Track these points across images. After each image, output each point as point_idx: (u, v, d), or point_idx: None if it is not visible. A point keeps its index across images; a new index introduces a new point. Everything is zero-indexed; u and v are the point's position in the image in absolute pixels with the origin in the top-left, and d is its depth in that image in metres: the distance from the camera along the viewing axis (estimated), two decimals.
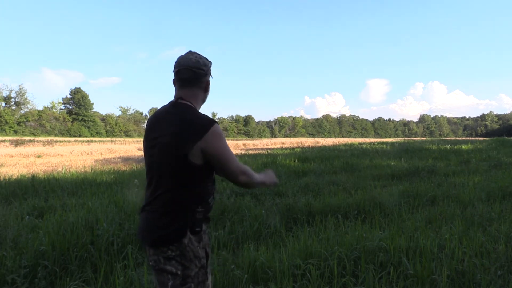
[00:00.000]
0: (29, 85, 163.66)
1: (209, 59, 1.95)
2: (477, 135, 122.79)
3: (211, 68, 1.94)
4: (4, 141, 39.85)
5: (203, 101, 1.96)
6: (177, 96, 1.87)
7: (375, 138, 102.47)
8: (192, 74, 1.85)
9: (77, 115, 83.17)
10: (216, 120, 1.87)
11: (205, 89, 1.93)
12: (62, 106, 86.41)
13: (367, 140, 64.80)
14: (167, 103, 1.91)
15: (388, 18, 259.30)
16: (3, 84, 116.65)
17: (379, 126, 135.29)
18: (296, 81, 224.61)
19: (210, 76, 1.94)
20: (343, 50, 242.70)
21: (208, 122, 1.77)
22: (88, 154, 26.69)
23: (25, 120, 75.67)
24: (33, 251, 3.44)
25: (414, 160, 13.80)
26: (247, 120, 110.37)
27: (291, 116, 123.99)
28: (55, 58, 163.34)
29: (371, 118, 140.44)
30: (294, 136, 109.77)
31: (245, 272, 3.17)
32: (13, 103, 78.09)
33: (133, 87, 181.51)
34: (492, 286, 2.91)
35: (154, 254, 1.76)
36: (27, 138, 52.48)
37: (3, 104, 76.81)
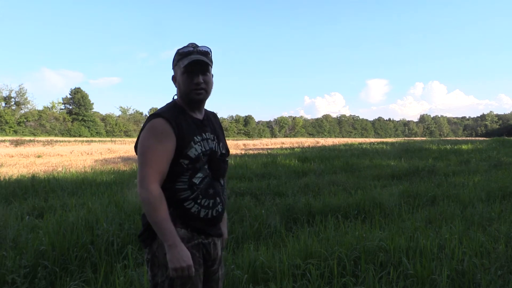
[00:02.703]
0: (29, 85, 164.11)
1: (183, 47, 1.75)
2: (477, 135, 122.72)
3: (176, 56, 1.75)
4: (4, 141, 39.83)
5: (183, 98, 1.76)
6: None
7: (375, 138, 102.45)
8: None
9: (77, 115, 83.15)
10: (162, 115, 1.66)
11: (175, 83, 1.78)
12: (62, 106, 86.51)
13: (367, 140, 64.79)
14: None
15: (388, 18, 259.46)
16: (3, 84, 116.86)
17: (379, 126, 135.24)
18: (296, 81, 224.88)
19: (181, 64, 1.71)
20: (343, 50, 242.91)
21: (149, 117, 1.69)
22: (88, 154, 26.66)
23: (25, 120, 75.67)
24: (33, 251, 3.44)
25: (414, 160, 13.80)
26: (247, 120, 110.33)
27: (291, 116, 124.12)
28: (55, 58, 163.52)
29: (371, 118, 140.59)
30: (294, 136, 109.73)
31: (245, 272, 3.16)
32: (13, 103, 78.12)
33: (133, 87, 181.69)
34: (492, 286, 2.91)
35: None
36: (27, 138, 52.46)
37: (3, 104, 76.88)
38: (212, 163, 1.75)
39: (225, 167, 1.84)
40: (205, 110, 1.88)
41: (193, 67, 1.69)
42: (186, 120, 1.72)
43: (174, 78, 1.79)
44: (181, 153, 1.66)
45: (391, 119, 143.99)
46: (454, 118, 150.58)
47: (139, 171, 1.61)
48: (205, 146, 1.73)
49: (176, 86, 1.79)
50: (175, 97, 1.81)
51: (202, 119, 1.80)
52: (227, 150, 1.91)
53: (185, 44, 1.77)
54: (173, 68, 1.79)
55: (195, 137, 1.71)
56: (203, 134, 1.76)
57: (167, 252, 1.56)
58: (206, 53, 1.75)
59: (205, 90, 1.73)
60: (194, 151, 1.69)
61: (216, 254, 1.79)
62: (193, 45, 1.74)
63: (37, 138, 54.37)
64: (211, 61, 1.77)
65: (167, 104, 1.78)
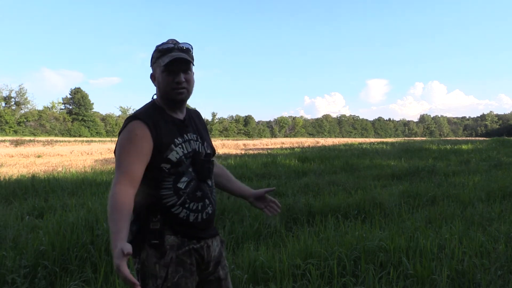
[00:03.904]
0: (29, 85, 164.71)
1: (163, 43, 1.67)
2: (477, 135, 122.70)
3: (156, 53, 1.66)
4: (4, 141, 39.85)
5: (163, 98, 1.67)
6: None
7: (375, 138, 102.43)
8: None
9: (77, 115, 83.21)
10: (139, 117, 1.59)
11: (155, 81, 1.69)
12: (62, 106, 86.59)
13: (367, 140, 64.80)
14: None
15: (388, 18, 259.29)
16: (3, 84, 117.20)
17: (379, 126, 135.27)
18: (296, 81, 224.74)
19: (161, 63, 1.62)
20: (343, 50, 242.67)
21: (127, 119, 1.62)
22: (88, 154, 26.67)
23: (25, 120, 75.74)
24: (33, 251, 3.44)
25: (414, 160, 13.81)
26: (247, 120, 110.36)
27: (291, 116, 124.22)
28: (55, 58, 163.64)
29: (371, 118, 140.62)
30: (294, 136, 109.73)
31: (245, 272, 3.17)
32: (13, 103, 78.16)
33: (133, 87, 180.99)
34: (492, 286, 2.91)
35: None
36: (27, 138, 52.46)
37: (3, 104, 76.94)
38: (196, 165, 1.66)
39: (210, 168, 1.74)
40: (187, 108, 1.78)
41: (174, 65, 1.60)
42: (165, 122, 1.64)
43: (153, 77, 1.69)
44: (162, 157, 1.58)
45: (391, 119, 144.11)
46: (454, 118, 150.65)
47: (116, 170, 1.55)
48: (187, 148, 1.65)
49: (155, 85, 1.69)
50: (155, 97, 1.72)
51: (183, 119, 1.71)
52: (213, 149, 1.82)
53: (165, 41, 1.69)
54: (152, 66, 1.68)
55: (175, 140, 1.62)
56: (185, 135, 1.67)
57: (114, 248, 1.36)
58: (187, 50, 1.66)
59: (186, 89, 1.65)
60: (175, 154, 1.60)
61: (210, 256, 1.70)
62: (173, 42, 1.66)
63: (37, 138, 54.37)
64: (193, 59, 1.68)
65: (146, 105, 1.70)
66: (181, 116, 1.71)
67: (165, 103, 1.67)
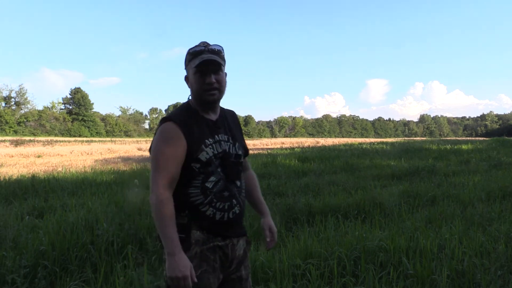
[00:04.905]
0: (29, 85, 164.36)
1: (194, 46, 1.72)
2: (477, 135, 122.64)
3: (188, 56, 1.72)
4: (4, 141, 39.84)
5: (195, 99, 1.74)
6: None
7: (375, 138, 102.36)
8: None
9: (77, 115, 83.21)
10: (171, 119, 1.67)
11: (188, 83, 1.77)
12: (62, 106, 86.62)
13: (367, 140, 64.75)
14: None
15: (388, 18, 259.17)
16: (3, 84, 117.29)
17: (379, 126, 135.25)
18: (296, 81, 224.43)
19: (193, 65, 1.68)
20: (343, 50, 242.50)
21: (161, 120, 1.71)
22: (88, 154, 26.70)
23: (25, 120, 75.74)
24: (33, 251, 3.44)
25: (414, 160, 13.80)
26: (247, 120, 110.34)
27: (291, 116, 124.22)
28: (55, 58, 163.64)
29: (371, 118, 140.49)
30: (294, 136, 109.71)
31: None
32: (13, 103, 78.18)
33: (133, 87, 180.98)
34: (492, 286, 2.91)
35: None
36: (27, 138, 52.47)
37: (3, 104, 76.98)
38: (225, 165, 1.71)
39: (239, 169, 1.78)
40: (222, 108, 1.83)
41: (204, 66, 1.66)
42: (197, 122, 1.70)
43: (186, 78, 1.76)
44: (192, 157, 1.64)
45: (391, 119, 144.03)
46: (454, 118, 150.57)
47: (151, 175, 1.62)
48: (217, 148, 1.70)
49: (189, 87, 1.76)
50: (190, 98, 1.79)
51: (215, 120, 1.76)
52: (246, 150, 1.88)
53: (197, 43, 1.74)
54: (185, 68, 1.75)
55: (206, 140, 1.68)
56: (216, 136, 1.72)
57: (166, 259, 1.53)
58: (218, 52, 1.71)
59: (218, 90, 1.70)
60: (205, 154, 1.66)
61: (234, 255, 1.74)
62: (205, 44, 1.71)
63: (37, 138, 54.39)
64: (224, 60, 1.73)
65: (180, 106, 1.79)
66: (213, 117, 1.77)
67: (198, 104, 1.73)
